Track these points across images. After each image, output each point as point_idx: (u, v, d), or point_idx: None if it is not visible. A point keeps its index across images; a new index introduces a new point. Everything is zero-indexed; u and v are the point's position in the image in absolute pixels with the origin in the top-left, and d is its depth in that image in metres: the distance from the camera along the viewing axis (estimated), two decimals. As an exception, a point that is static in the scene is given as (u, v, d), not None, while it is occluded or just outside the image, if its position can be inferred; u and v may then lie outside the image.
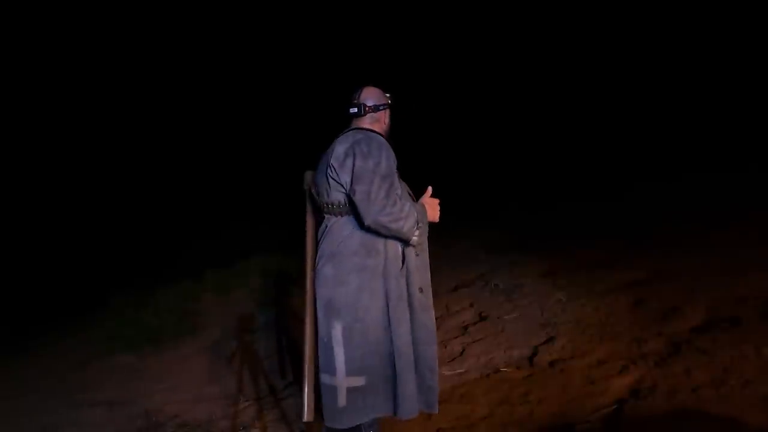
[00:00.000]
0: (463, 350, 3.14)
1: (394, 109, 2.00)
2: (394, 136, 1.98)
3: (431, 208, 1.85)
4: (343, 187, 1.70)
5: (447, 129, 11.47)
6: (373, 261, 1.70)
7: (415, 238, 1.72)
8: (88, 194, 11.29)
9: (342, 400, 1.69)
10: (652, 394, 2.18)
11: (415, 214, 1.70)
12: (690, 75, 8.91)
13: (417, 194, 1.90)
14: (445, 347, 3.23)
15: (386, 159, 1.69)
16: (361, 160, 1.66)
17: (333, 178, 1.72)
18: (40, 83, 12.62)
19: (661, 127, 8.80)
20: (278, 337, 3.96)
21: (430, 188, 1.92)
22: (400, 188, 1.76)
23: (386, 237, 1.71)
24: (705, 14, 8.92)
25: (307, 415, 1.75)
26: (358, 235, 1.71)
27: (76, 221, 10.26)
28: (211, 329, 4.55)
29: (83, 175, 11.85)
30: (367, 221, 1.63)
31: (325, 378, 1.73)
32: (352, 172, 1.66)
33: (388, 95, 1.95)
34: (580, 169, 8.51)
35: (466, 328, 3.50)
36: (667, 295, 3.20)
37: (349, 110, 1.87)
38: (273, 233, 7.76)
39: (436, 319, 3.78)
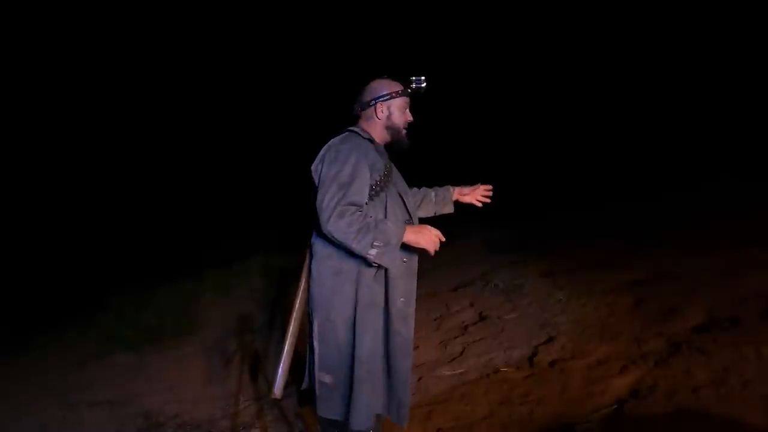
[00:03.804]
0: (463, 350, 3.14)
1: (420, 96, 1.86)
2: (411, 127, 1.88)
3: (419, 234, 1.67)
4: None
5: (452, 130, 11.48)
6: (348, 265, 1.70)
7: (370, 257, 1.60)
8: (89, 194, 11.29)
9: (317, 389, 1.78)
10: (652, 394, 2.18)
11: (373, 233, 1.59)
12: (691, 84, 8.91)
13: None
14: (445, 347, 3.23)
15: (351, 166, 1.64)
16: (326, 168, 1.66)
17: (313, 181, 1.74)
18: (40, 83, 12.62)
19: (660, 136, 8.81)
20: (278, 337, 3.96)
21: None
22: (377, 200, 1.70)
23: (345, 249, 1.65)
24: (708, 16, 8.92)
25: (276, 391, 1.79)
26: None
27: (77, 221, 10.25)
28: (211, 329, 4.55)
29: (84, 176, 11.85)
30: (322, 229, 1.63)
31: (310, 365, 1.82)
32: (319, 178, 1.68)
33: (412, 78, 1.83)
34: (584, 176, 8.51)
35: (466, 328, 3.49)
36: (667, 295, 3.20)
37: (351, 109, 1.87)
38: (273, 233, 7.76)
39: (435, 319, 3.80)
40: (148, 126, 13.06)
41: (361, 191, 1.65)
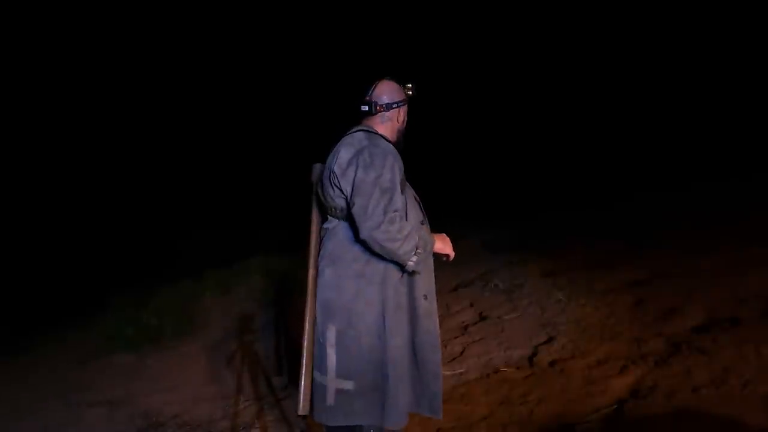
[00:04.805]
0: (463, 350, 3.14)
1: (414, 101, 1.89)
2: (408, 131, 1.91)
3: (445, 241, 1.80)
4: (344, 194, 1.68)
5: (451, 130, 11.47)
6: (372, 268, 1.68)
7: (411, 263, 1.64)
8: (90, 194, 11.29)
9: (330, 399, 1.71)
10: (652, 394, 2.18)
11: (416, 239, 1.63)
12: (690, 83, 8.91)
13: (423, 199, 1.86)
14: (445, 347, 3.23)
15: (389, 170, 1.63)
16: (362, 172, 1.62)
17: (335, 184, 1.70)
18: (40, 83, 12.61)
19: (657, 137, 8.81)
20: (278, 337, 3.96)
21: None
22: (403, 200, 1.69)
23: (372, 253, 1.65)
24: (706, 21, 8.93)
25: (302, 408, 1.74)
26: (360, 241, 1.67)
27: (77, 221, 10.26)
28: (211, 329, 4.54)
29: (84, 176, 11.85)
30: (362, 235, 1.60)
31: (317, 375, 1.75)
32: (353, 182, 1.63)
33: (409, 86, 1.86)
34: (580, 177, 8.52)
35: (466, 328, 3.49)
36: (667, 295, 3.20)
37: (360, 107, 1.79)
38: (273, 233, 7.76)
39: (435, 319, 3.78)
40: (148, 126, 13.06)
41: (400, 196, 1.65)
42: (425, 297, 1.77)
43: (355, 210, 1.61)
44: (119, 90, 13.37)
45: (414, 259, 1.63)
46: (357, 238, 1.66)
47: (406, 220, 1.70)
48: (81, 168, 11.96)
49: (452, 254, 1.82)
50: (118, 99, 13.25)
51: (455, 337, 3.36)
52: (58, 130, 12.40)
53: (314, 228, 1.86)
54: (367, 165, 1.62)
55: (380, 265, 1.68)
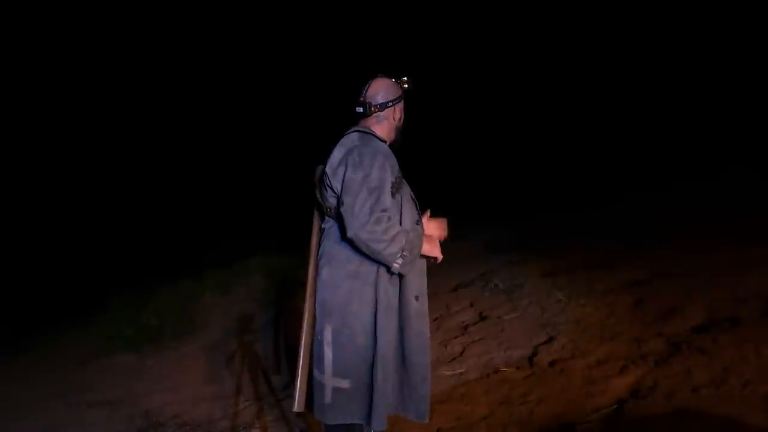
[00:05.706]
0: (463, 350, 3.14)
1: (410, 96, 1.88)
2: (407, 128, 1.91)
3: (433, 244, 1.78)
4: (336, 194, 1.69)
5: (450, 130, 11.48)
6: (366, 268, 1.69)
7: (396, 265, 1.62)
8: (90, 195, 11.29)
9: (328, 397, 1.73)
10: (652, 394, 2.18)
11: (403, 242, 1.61)
12: (692, 79, 8.91)
13: (422, 198, 1.86)
14: (445, 347, 3.23)
15: (378, 170, 1.63)
16: (351, 171, 1.62)
17: (327, 184, 1.71)
18: (40, 83, 12.62)
19: (648, 137, 8.82)
20: (278, 337, 3.96)
21: (428, 211, 1.88)
22: (398, 200, 1.70)
23: (364, 253, 1.64)
24: (697, 27, 8.94)
25: (297, 405, 1.75)
26: (347, 240, 1.68)
27: (77, 221, 10.26)
28: (211, 329, 4.55)
29: (85, 176, 11.85)
30: (349, 234, 1.60)
31: (316, 373, 1.77)
32: (343, 181, 1.64)
33: (404, 79, 1.85)
34: (575, 177, 8.53)
35: (466, 328, 3.49)
36: (667, 295, 3.20)
37: (355, 109, 1.80)
38: (273, 233, 7.76)
39: (435, 319, 3.81)
40: (148, 126, 13.06)
41: (389, 196, 1.65)
42: (416, 298, 1.76)
43: (343, 209, 1.62)
44: (119, 90, 13.36)
45: (399, 261, 1.62)
46: (343, 238, 1.66)
47: (400, 220, 1.70)
48: (81, 168, 11.96)
49: (440, 257, 1.80)
50: (118, 99, 13.24)
51: (455, 337, 3.36)
52: (59, 130, 12.40)
53: (315, 228, 1.88)
54: (356, 164, 1.63)
55: (373, 267, 1.69)
